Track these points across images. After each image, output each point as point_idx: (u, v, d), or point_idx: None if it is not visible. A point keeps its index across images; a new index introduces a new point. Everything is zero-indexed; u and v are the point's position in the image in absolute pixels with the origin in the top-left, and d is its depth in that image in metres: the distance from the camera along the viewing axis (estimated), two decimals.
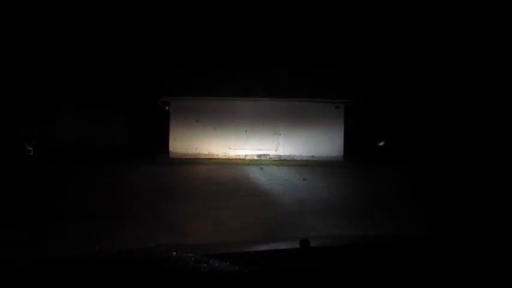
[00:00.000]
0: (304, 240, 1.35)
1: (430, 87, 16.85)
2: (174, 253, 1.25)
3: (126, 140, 17.24)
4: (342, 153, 14.22)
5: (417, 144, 15.44)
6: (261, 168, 11.36)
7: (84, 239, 4.05)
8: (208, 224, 4.84)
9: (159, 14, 17.78)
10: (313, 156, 14.17)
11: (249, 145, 14.40)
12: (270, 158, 14.25)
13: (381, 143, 14.40)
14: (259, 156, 14.29)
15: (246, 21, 16.68)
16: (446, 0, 16.75)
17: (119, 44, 17.60)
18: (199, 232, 4.52)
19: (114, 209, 5.60)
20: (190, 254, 1.21)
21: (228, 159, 14.02)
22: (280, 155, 14.34)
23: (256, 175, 9.83)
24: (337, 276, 1.16)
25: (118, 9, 17.09)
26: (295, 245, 1.36)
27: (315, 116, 14.38)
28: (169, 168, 11.73)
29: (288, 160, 13.99)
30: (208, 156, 14.12)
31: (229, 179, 9.28)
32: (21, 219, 4.93)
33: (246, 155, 14.31)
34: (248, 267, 1.12)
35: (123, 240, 4.06)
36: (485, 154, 14.01)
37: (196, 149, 14.31)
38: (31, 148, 12.26)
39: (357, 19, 17.69)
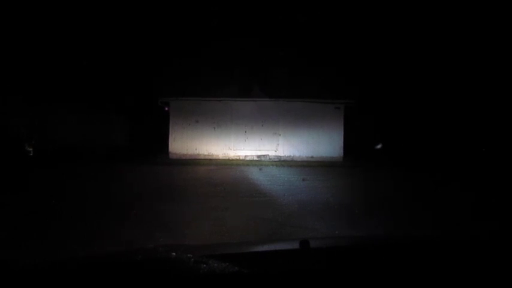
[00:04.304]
0: (304, 241, 1.35)
1: (429, 88, 16.87)
2: (174, 254, 1.24)
3: (125, 140, 17.26)
4: (341, 153, 14.21)
5: (417, 145, 15.45)
6: (260, 169, 11.36)
7: (82, 239, 4.05)
8: (208, 225, 4.84)
9: (160, 14, 17.79)
10: (312, 157, 14.17)
11: (249, 146, 14.39)
12: (269, 158, 14.24)
13: (379, 146, 14.41)
14: (259, 156, 14.28)
15: (246, 21, 16.70)
16: (446, 2, 16.77)
17: (119, 44, 17.61)
18: (199, 233, 4.51)
19: (112, 209, 5.59)
20: (189, 255, 1.21)
21: (228, 159, 14.01)
22: (280, 156, 14.33)
23: (256, 176, 9.82)
24: (337, 276, 1.16)
25: (118, 10, 17.10)
26: (295, 245, 1.35)
27: (314, 117, 14.38)
28: (169, 168, 11.72)
29: (288, 161, 13.98)
30: (207, 157, 14.11)
31: (229, 179, 9.27)
32: (19, 220, 4.92)
33: (245, 156, 14.30)
34: (248, 267, 1.11)
35: (122, 240, 4.05)
36: (485, 155, 14.03)
37: (195, 149, 14.30)
38: (31, 149, 12.26)
39: (356, 20, 17.71)
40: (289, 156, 14.33)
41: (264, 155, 14.34)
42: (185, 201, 6.42)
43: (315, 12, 17.53)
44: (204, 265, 1.11)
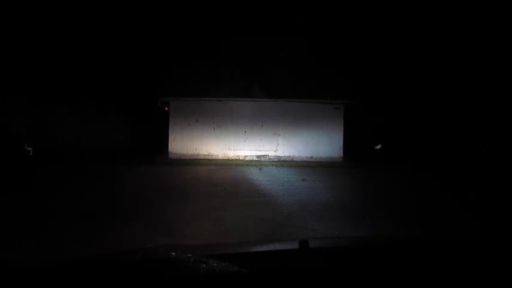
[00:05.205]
0: (304, 241, 1.35)
1: (429, 88, 16.88)
2: (173, 253, 1.25)
3: (125, 140, 17.23)
4: (341, 154, 14.21)
5: (417, 145, 15.45)
6: (260, 169, 11.36)
7: (82, 239, 4.05)
8: (208, 225, 4.84)
9: (159, 13, 17.79)
10: (312, 157, 14.17)
11: (249, 146, 14.38)
12: (269, 158, 14.24)
13: (378, 147, 14.40)
14: (258, 157, 14.28)
15: (246, 21, 16.71)
16: (446, 1, 16.78)
17: (118, 44, 17.61)
18: (199, 233, 4.51)
19: (112, 209, 5.60)
20: (189, 255, 1.21)
21: (228, 159, 14.00)
22: (280, 156, 14.32)
23: (256, 176, 9.82)
24: (336, 276, 1.16)
25: (118, 9, 17.10)
26: (295, 245, 1.36)
27: (314, 117, 14.37)
28: (169, 168, 11.72)
29: (288, 161, 13.98)
30: (207, 157, 14.10)
31: (228, 179, 9.27)
32: (19, 220, 4.92)
33: (245, 156, 14.30)
34: (247, 267, 1.12)
35: (122, 240, 4.05)
36: (485, 155, 14.03)
37: (195, 149, 14.29)
38: (30, 148, 12.25)
39: (356, 20, 17.71)
40: (289, 156, 14.32)
41: (263, 155, 14.33)
42: (185, 201, 6.42)
43: (315, 12, 17.54)
44: (204, 265, 1.11)
